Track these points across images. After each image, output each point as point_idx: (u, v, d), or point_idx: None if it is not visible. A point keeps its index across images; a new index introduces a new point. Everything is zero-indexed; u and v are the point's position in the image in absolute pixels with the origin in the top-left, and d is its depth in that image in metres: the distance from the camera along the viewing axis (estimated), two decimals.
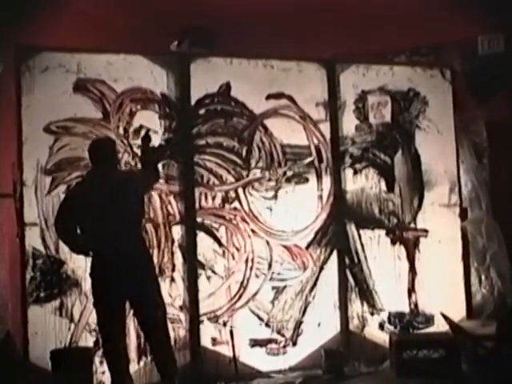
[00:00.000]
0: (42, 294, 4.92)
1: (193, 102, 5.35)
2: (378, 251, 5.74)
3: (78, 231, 4.50)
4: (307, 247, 5.56)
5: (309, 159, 5.61)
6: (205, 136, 5.40)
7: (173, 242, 5.25)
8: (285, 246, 5.51)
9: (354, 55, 5.93)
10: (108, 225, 4.37)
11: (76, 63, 5.08)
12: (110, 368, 4.46)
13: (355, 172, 5.74)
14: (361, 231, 5.72)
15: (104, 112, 5.13)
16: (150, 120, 5.23)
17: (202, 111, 5.39)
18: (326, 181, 5.65)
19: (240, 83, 5.44)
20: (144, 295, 4.44)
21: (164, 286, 5.02)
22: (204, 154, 5.41)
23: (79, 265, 4.97)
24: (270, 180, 5.51)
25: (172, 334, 4.93)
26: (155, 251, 5.15)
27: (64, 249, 4.92)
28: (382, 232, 5.78)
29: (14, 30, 5.31)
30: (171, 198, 5.26)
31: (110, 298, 4.38)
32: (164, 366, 4.51)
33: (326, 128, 5.68)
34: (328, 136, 5.68)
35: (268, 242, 5.46)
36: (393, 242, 5.78)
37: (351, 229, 5.69)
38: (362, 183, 5.75)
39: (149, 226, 5.16)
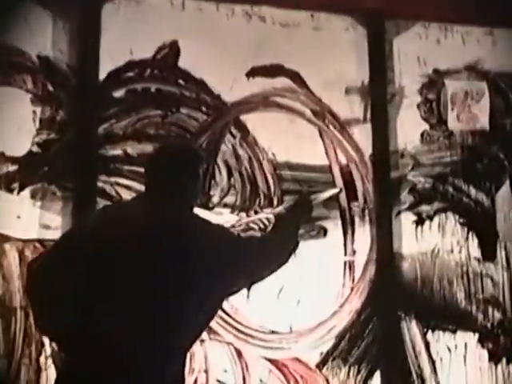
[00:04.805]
0: None
1: (102, 74, 3.40)
2: (463, 373, 3.72)
3: None
4: (319, 366, 3.45)
5: (330, 192, 3.47)
6: (121, 141, 3.33)
7: None
8: (272, 362, 3.39)
9: (418, 8, 3.89)
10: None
11: None
12: None
13: (420, 220, 3.86)
14: (429, 334, 3.75)
15: None
16: (19, 101, 3.25)
17: (118, 93, 3.39)
18: (363, 234, 3.70)
19: (200, 45, 3.48)
20: None
21: None
22: (110, 175, 3.34)
23: None
24: (249, 229, 3.47)
25: None
26: None
27: None
28: (472, 337, 3.80)
29: None
30: None
31: None
32: None
33: (364, 135, 3.76)
34: (368, 150, 3.73)
35: (239, 352, 3.34)
36: (492, 356, 3.77)
37: (411, 329, 3.71)
38: (432, 242, 3.84)
39: None
